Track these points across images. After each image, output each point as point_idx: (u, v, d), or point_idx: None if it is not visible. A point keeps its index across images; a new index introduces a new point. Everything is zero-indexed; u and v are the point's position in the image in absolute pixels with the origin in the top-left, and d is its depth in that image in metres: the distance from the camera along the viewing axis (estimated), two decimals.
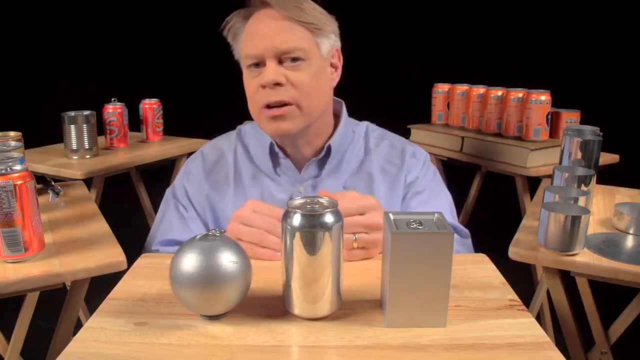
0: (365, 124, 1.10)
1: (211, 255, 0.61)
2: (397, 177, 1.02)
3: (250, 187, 1.01)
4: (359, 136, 1.06)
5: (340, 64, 1.01)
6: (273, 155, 1.01)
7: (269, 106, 0.93)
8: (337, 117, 1.05)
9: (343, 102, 1.07)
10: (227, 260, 0.61)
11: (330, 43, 0.97)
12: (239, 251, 0.63)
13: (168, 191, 1.06)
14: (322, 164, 1.01)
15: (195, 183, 1.03)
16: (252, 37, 0.93)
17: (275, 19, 0.92)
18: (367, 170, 1.02)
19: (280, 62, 0.92)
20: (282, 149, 1.01)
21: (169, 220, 1.02)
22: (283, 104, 0.92)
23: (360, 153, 1.04)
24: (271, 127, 0.95)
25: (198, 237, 0.63)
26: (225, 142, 1.08)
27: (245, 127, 1.09)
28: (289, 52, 0.91)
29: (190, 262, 0.60)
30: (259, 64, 0.93)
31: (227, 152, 1.06)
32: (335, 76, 1.01)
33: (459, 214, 2.06)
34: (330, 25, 0.96)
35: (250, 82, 0.95)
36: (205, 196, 1.02)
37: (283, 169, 1.01)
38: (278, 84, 0.91)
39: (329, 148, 1.00)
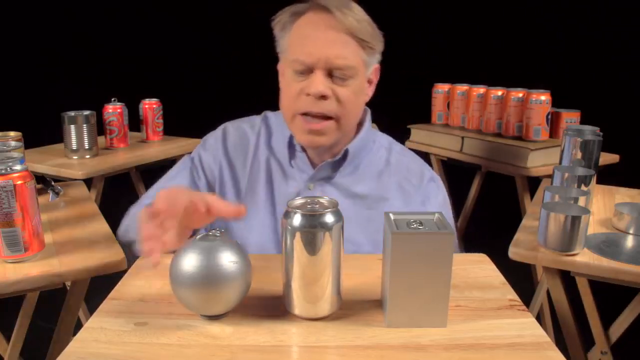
0: (387, 136, 1.09)
1: (211, 255, 0.61)
2: (412, 196, 1.00)
3: (263, 173, 1.00)
4: (380, 146, 1.05)
5: (376, 80, 1.00)
6: (291, 147, 1.00)
7: (307, 114, 0.92)
8: (359, 123, 1.03)
9: (369, 111, 1.05)
10: (227, 260, 0.61)
11: (374, 62, 0.97)
12: (239, 251, 0.63)
13: (186, 157, 1.06)
14: (336, 166, 0.99)
15: (211, 153, 1.03)
16: (306, 42, 0.91)
17: (333, 29, 0.89)
18: (384, 183, 1.00)
19: (329, 74, 0.91)
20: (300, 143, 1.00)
21: (180, 181, 1.01)
22: (323, 117, 0.91)
23: (379, 163, 1.02)
24: (305, 138, 0.94)
25: (198, 237, 0.63)
26: (249, 125, 1.06)
27: (270, 114, 1.08)
28: (341, 68, 0.89)
29: (190, 262, 0.60)
30: (305, 69, 0.91)
31: (251, 136, 1.04)
32: (369, 91, 1.00)
33: (459, 214, 2.06)
34: (380, 44, 0.95)
35: (293, 84, 0.93)
36: (219, 168, 1.01)
37: (298, 162, 1.00)
38: (323, 97, 0.90)
39: (346, 152, 0.98)
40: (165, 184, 1.01)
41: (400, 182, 1.01)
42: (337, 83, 0.91)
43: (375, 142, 1.05)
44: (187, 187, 1.00)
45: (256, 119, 1.07)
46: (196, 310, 0.63)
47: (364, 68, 0.94)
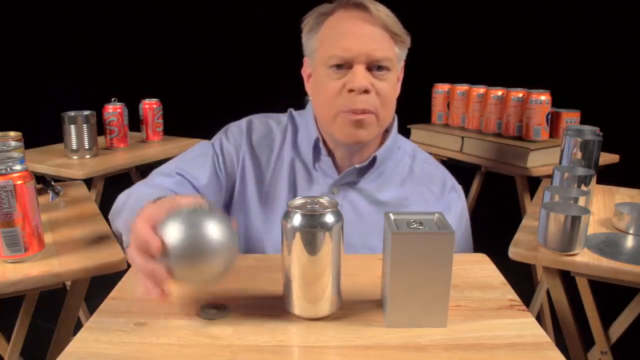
0: (412, 143, 1.08)
1: (195, 225, 0.59)
2: (433, 206, 0.99)
3: (286, 174, 0.98)
4: (405, 153, 1.03)
5: (402, 76, 1.00)
6: (316, 149, 0.98)
7: (351, 111, 0.90)
8: (386, 129, 1.02)
9: (395, 116, 1.03)
10: (212, 230, 0.59)
11: (403, 57, 0.96)
12: (221, 219, 0.61)
13: (205, 142, 1.03)
14: (363, 172, 0.98)
15: (233, 143, 1.00)
16: (343, 37, 0.90)
17: (370, 24, 0.89)
18: (407, 191, 0.99)
19: (368, 68, 0.89)
20: (325, 146, 0.98)
21: (202, 163, 0.98)
22: (364, 111, 0.90)
23: (403, 171, 1.01)
24: (348, 133, 0.91)
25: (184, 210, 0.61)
26: (275, 122, 1.04)
27: (295, 113, 1.05)
28: (380, 61, 0.89)
29: (172, 234, 0.59)
30: (343, 65, 0.90)
31: (277, 133, 1.02)
32: (398, 87, 0.99)
33: None
34: (408, 39, 0.95)
35: (331, 83, 0.91)
36: (242, 161, 0.99)
37: (322, 165, 0.98)
38: (366, 91, 0.89)
39: (374, 158, 0.97)
40: (182, 166, 0.97)
41: (422, 191, 1.00)
42: (376, 77, 0.90)
43: (400, 148, 1.03)
44: (211, 173, 0.97)
45: (282, 117, 1.05)
46: (186, 283, 0.62)
47: (397, 62, 0.94)
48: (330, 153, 0.98)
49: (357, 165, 0.97)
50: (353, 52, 0.88)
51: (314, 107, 0.99)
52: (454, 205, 1.00)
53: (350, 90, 0.89)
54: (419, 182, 1.01)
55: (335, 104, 0.91)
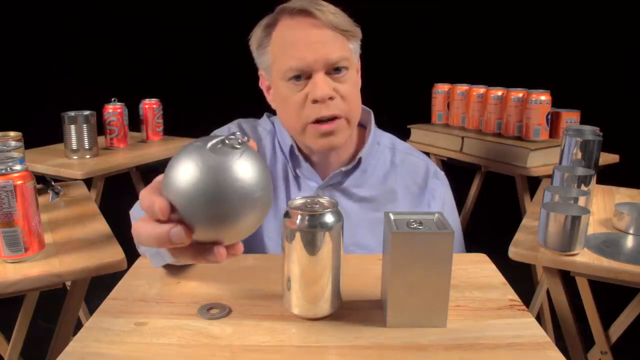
0: (389, 135, 1.07)
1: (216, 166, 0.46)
2: (419, 196, 1.00)
3: (282, 179, 0.98)
4: (384, 148, 1.03)
5: (359, 65, 0.99)
6: (292, 156, 0.98)
7: (318, 121, 0.89)
8: (361, 125, 1.02)
9: (371, 112, 1.02)
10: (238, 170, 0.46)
11: (359, 50, 0.95)
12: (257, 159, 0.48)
13: None
14: (348, 173, 0.98)
15: None
16: (295, 47, 0.87)
17: (319, 27, 0.87)
18: (391, 184, 0.99)
19: (327, 73, 0.88)
20: (302, 153, 0.98)
21: None
22: (333, 117, 0.89)
23: (385, 166, 1.01)
24: (321, 143, 0.91)
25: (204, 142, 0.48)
26: (261, 126, 1.03)
27: (273, 118, 1.04)
28: (337, 63, 0.87)
29: (187, 172, 0.46)
30: (301, 76, 0.88)
31: (265, 136, 1.01)
32: (359, 78, 0.98)
33: (459, 215, 2.06)
34: (359, 30, 0.94)
35: (293, 96, 0.89)
36: None
37: (303, 171, 0.98)
38: (330, 98, 0.87)
39: (360, 160, 0.97)
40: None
41: (407, 183, 1.00)
42: (336, 80, 0.89)
43: (380, 144, 1.03)
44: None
45: (266, 121, 1.05)
46: (210, 238, 0.48)
47: (354, 57, 0.93)
48: (307, 158, 0.98)
49: (343, 169, 0.96)
50: (308, 61, 0.86)
51: (281, 120, 0.98)
52: (437, 193, 1.01)
53: (315, 101, 0.87)
54: (402, 175, 1.01)
55: (302, 116, 0.90)
